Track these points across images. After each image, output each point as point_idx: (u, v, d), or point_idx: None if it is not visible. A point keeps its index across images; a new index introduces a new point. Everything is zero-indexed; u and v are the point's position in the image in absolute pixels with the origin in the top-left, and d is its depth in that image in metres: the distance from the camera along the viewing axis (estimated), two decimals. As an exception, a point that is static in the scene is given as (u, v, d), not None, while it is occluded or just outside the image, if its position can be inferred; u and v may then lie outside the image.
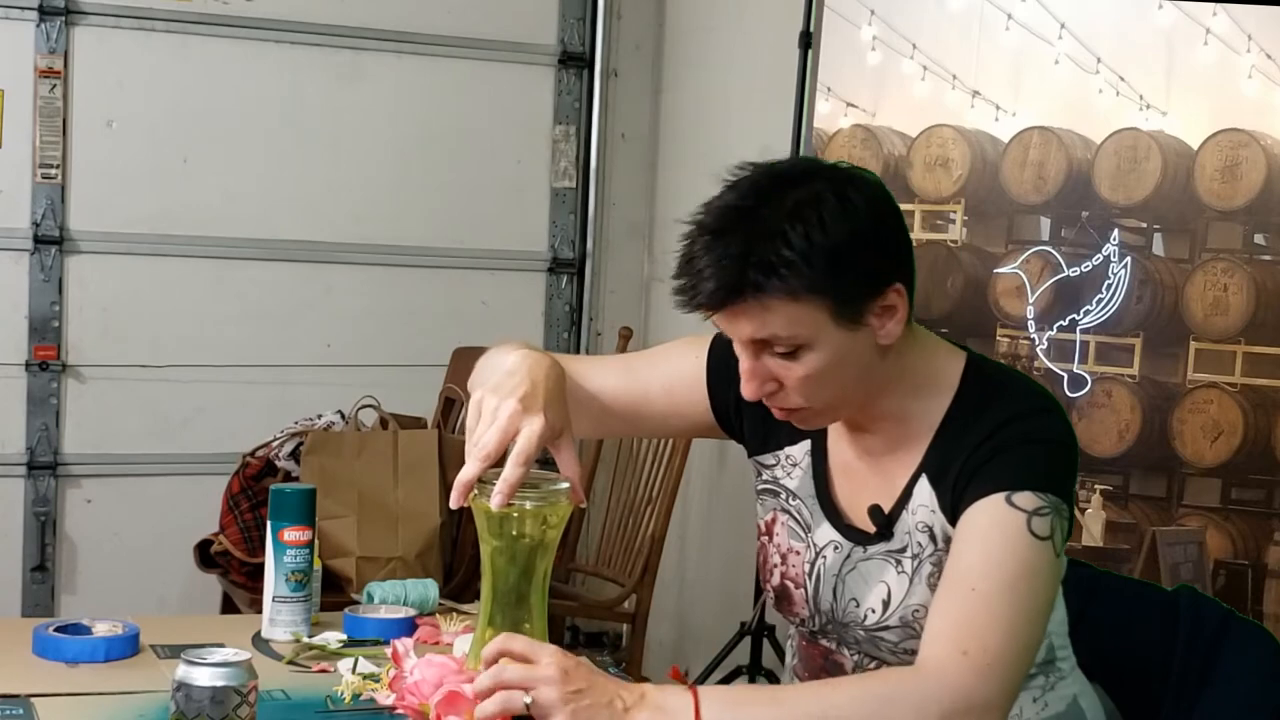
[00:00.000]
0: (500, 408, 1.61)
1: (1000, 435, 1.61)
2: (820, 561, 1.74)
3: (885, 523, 1.68)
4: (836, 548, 1.73)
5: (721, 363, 1.81)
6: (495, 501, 1.57)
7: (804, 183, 1.59)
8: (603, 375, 1.85)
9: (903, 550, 1.67)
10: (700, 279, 1.58)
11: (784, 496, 1.79)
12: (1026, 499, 1.57)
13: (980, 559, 1.56)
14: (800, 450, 1.78)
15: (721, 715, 1.50)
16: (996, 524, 1.57)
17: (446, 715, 1.57)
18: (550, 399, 1.65)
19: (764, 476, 1.82)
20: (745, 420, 1.82)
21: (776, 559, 1.79)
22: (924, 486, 1.66)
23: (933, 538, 1.65)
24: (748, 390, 1.63)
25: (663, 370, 1.86)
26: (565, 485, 1.62)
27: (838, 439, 1.76)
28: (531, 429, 1.59)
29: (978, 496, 1.59)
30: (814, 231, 1.55)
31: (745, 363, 1.62)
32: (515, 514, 1.59)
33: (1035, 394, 1.68)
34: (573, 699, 1.48)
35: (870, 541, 1.70)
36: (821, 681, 1.68)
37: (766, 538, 1.81)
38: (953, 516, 1.63)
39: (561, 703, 1.47)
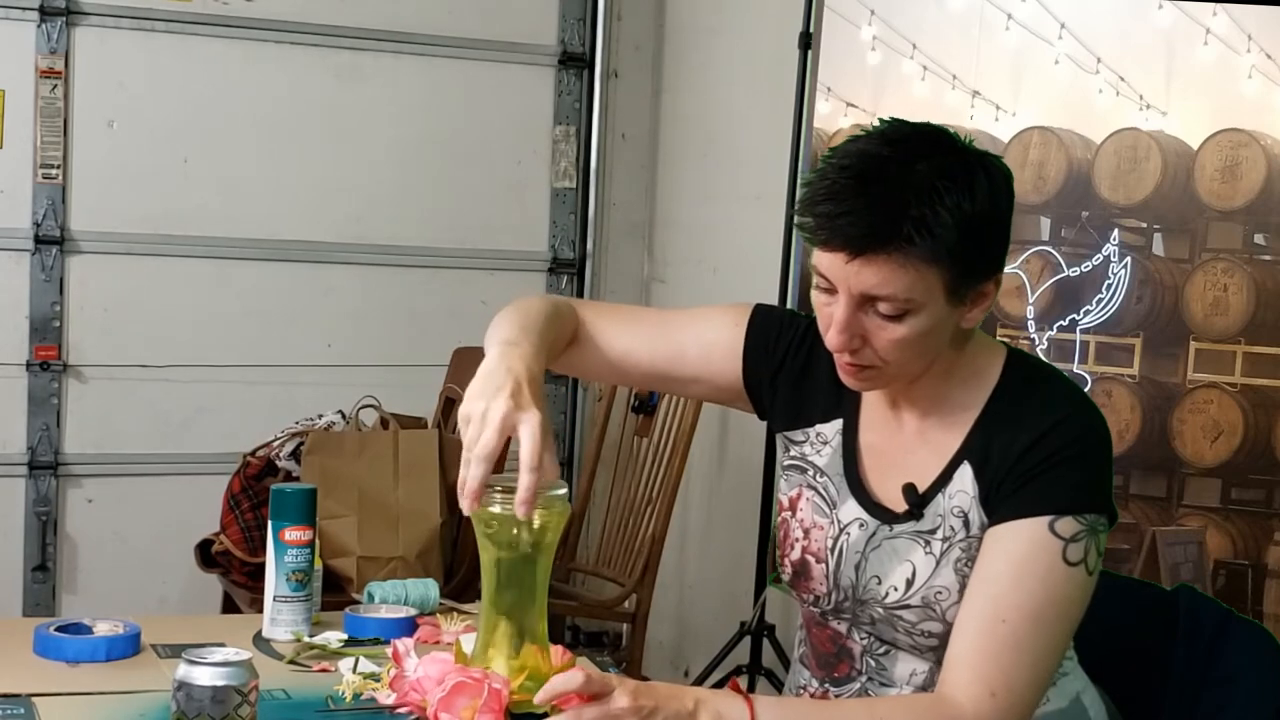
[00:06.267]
0: (490, 409, 1.59)
1: (1046, 444, 1.64)
2: (844, 538, 1.75)
3: (918, 503, 1.70)
4: (862, 525, 1.74)
5: (760, 336, 1.83)
6: (521, 511, 1.55)
7: (949, 148, 1.60)
8: (633, 333, 1.86)
9: (932, 532, 1.69)
10: (848, 219, 1.56)
11: (811, 473, 1.80)
12: (1067, 525, 1.62)
13: (1012, 587, 1.61)
14: (831, 429, 1.80)
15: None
16: (1033, 552, 1.62)
17: (443, 713, 1.57)
18: (537, 393, 1.63)
19: (791, 452, 1.83)
20: (778, 396, 1.83)
21: (799, 533, 1.80)
22: (966, 473, 1.68)
23: (966, 524, 1.68)
24: (837, 341, 1.63)
25: (701, 335, 1.86)
26: (563, 491, 1.62)
27: (870, 418, 1.78)
28: (531, 427, 1.58)
29: (1021, 514, 1.63)
30: (964, 200, 1.56)
31: (843, 313, 1.61)
32: (515, 521, 1.59)
33: (1074, 393, 1.72)
34: None
35: (898, 520, 1.72)
36: (864, 700, 1.72)
37: (789, 513, 1.82)
38: (990, 512, 1.66)
39: None
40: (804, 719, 1.63)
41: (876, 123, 1.64)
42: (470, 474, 1.58)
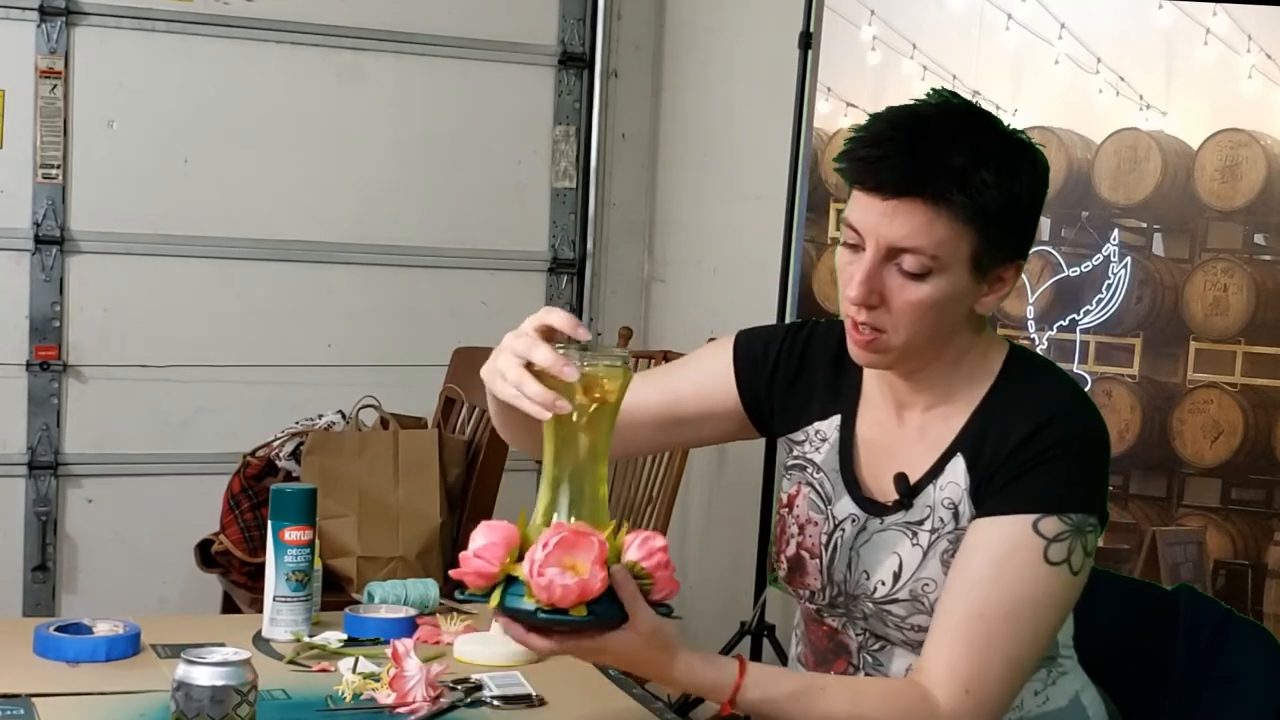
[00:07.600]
0: (502, 344, 1.59)
1: (1040, 439, 1.64)
2: (838, 534, 1.76)
3: (909, 492, 1.71)
4: (854, 520, 1.75)
5: (747, 356, 1.85)
6: (569, 372, 1.55)
7: (997, 129, 1.64)
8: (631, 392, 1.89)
9: (920, 523, 1.70)
10: (889, 163, 1.59)
11: (810, 470, 1.82)
12: (1050, 525, 1.61)
13: (991, 583, 1.61)
14: (830, 425, 1.81)
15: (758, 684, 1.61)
16: (1014, 549, 1.62)
17: (550, 568, 1.51)
18: None
19: (794, 453, 1.84)
20: (776, 402, 1.84)
21: (794, 529, 1.81)
22: (958, 465, 1.69)
23: (956, 516, 1.68)
24: (856, 293, 1.63)
25: (692, 373, 1.89)
26: (622, 353, 1.62)
27: (870, 413, 1.78)
28: (544, 315, 1.59)
29: (1006, 510, 1.63)
30: (1005, 172, 1.60)
31: (867, 265, 1.62)
32: (573, 385, 1.57)
33: (1074, 391, 1.72)
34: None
35: (887, 512, 1.72)
36: (848, 682, 1.71)
37: (787, 510, 1.83)
38: (978, 504, 1.66)
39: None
40: (789, 700, 1.62)
41: (931, 91, 1.67)
42: (528, 390, 1.55)
